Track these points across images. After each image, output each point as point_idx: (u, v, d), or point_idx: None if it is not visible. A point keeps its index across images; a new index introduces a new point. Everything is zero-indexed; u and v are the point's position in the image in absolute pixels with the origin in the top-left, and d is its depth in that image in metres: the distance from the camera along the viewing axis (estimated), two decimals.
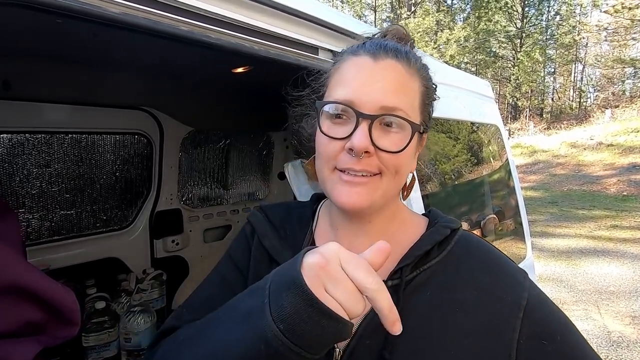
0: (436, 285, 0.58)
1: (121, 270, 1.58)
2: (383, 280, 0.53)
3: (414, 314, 0.56)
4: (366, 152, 0.54)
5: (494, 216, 2.05)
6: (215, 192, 2.00)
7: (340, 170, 0.57)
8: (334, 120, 0.57)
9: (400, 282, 0.57)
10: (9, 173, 1.31)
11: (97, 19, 0.57)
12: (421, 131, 0.60)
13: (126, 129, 1.57)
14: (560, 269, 5.44)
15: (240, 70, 1.23)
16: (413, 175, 0.68)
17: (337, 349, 0.56)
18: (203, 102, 1.70)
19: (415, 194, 1.24)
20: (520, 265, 0.79)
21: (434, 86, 0.65)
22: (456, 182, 1.87)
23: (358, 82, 0.56)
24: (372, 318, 0.55)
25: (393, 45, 0.60)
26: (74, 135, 1.44)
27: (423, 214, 0.71)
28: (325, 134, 0.57)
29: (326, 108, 0.58)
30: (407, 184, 0.67)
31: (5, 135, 1.28)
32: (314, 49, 0.94)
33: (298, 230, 0.68)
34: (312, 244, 0.66)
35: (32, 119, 1.30)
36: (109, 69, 1.26)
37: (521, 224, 2.19)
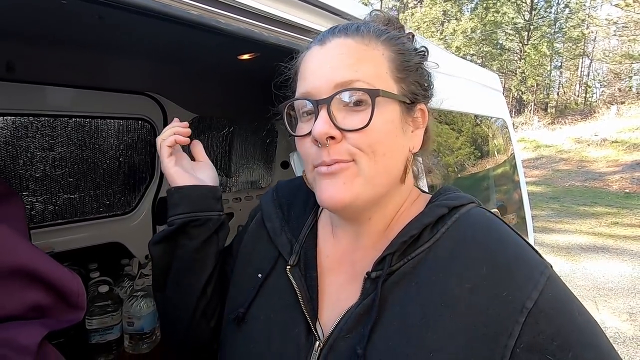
0: (424, 275, 0.50)
1: (124, 255, 1.59)
2: (367, 272, 0.53)
3: (394, 308, 0.49)
4: (331, 137, 0.50)
5: (497, 210, 2.05)
6: (218, 180, 2.00)
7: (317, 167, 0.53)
8: (302, 119, 0.55)
9: (382, 272, 0.51)
10: (13, 156, 1.31)
11: (103, 0, 0.56)
12: (408, 101, 0.54)
13: (130, 114, 1.56)
14: (559, 264, 5.46)
15: (246, 56, 1.22)
16: (412, 154, 0.57)
17: (318, 342, 0.53)
18: (207, 88, 1.68)
19: (421, 182, 1.23)
20: None
21: (421, 50, 0.58)
22: (460, 175, 1.86)
23: (310, 72, 0.53)
24: (353, 312, 0.51)
25: (345, 25, 0.56)
26: (78, 119, 1.43)
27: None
28: (295, 135, 0.55)
29: (291, 107, 0.56)
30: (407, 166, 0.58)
31: (9, 117, 1.28)
32: None
33: (302, 213, 0.66)
34: (314, 229, 0.64)
35: (35, 102, 1.29)
36: (114, 53, 1.25)
37: (524, 218, 2.19)
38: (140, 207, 1.69)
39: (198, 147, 0.77)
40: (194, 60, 1.34)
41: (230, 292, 0.66)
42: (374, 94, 0.49)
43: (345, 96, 0.50)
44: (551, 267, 0.50)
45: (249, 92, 1.77)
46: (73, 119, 1.42)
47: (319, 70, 0.52)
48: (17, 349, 0.49)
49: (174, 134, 0.69)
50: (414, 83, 0.55)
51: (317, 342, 0.52)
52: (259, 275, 0.61)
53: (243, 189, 2.11)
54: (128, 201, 1.67)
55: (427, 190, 1.23)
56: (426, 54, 0.59)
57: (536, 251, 0.52)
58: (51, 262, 0.58)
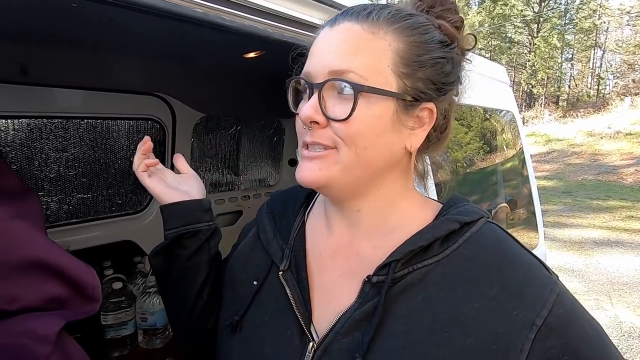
0: (431, 289, 0.49)
1: (137, 253, 1.62)
2: (368, 275, 0.52)
3: (398, 318, 0.49)
4: (315, 122, 0.51)
5: (506, 205, 2.04)
6: (226, 178, 2.02)
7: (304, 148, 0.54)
8: (304, 96, 0.55)
9: (386, 278, 0.50)
10: (28, 157, 1.35)
11: (112, 1, 0.57)
12: (410, 99, 0.51)
13: (140, 114, 1.58)
14: (572, 259, 5.38)
15: (252, 55, 1.23)
16: (409, 152, 0.56)
17: (312, 343, 0.52)
18: (214, 87, 1.70)
19: (429, 182, 1.23)
20: None
21: (440, 41, 0.53)
22: (468, 170, 1.85)
23: (313, 54, 0.54)
24: (350, 316, 0.51)
25: (359, 7, 0.53)
26: (89, 121, 1.47)
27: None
28: (294, 112, 0.56)
29: (298, 82, 0.56)
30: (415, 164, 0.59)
31: (24, 120, 1.31)
32: None
33: (292, 218, 0.66)
34: (301, 231, 0.64)
35: (49, 104, 1.32)
36: (122, 54, 1.27)
37: (534, 213, 2.16)
38: (151, 206, 1.72)
39: (180, 161, 0.81)
40: (200, 59, 1.36)
41: (224, 301, 0.68)
42: (357, 89, 0.48)
43: (336, 84, 0.50)
44: (559, 280, 0.51)
45: (256, 90, 1.79)
46: (85, 121, 1.46)
47: (320, 53, 0.52)
48: (36, 338, 0.51)
49: (142, 160, 0.74)
50: (424, 80, 0.51)
51: (311, 344, 0.52)
52: (254, 283, 0.62)
53: (251, 187, 2.13)
54: (139, 200, 1.70)
55: (434, 188, 1.24)
56: (455, 47, 0.54)
57: (544, 265, 0.52)
58: (68, 256, 0.61)
